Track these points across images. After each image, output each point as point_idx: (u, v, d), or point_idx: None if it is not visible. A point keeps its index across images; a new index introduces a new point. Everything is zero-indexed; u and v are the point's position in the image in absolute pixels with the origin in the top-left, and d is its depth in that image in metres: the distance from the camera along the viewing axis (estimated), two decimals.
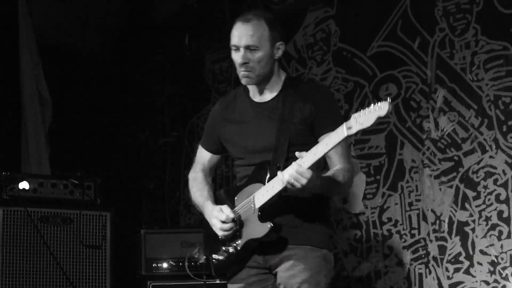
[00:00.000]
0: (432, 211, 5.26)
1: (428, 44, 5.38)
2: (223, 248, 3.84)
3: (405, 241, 5.39)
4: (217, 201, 3.97)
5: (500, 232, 4.89)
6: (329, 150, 3.38)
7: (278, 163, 3.69)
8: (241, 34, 3.73)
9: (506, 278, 4.82)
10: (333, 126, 3.51)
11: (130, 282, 5.75)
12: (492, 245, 4.93)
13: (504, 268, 4.84)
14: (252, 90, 3.92)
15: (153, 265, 5.58)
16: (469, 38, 5.17)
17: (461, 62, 5.20)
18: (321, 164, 3.69)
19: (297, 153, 3.48)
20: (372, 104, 3.15)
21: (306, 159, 3.43)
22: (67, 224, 5.66)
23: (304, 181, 3.41)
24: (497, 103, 4.99)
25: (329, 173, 3.64)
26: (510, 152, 4.91)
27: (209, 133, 4.11)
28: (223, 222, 3.74)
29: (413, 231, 5.35)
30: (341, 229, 5.76)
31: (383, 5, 5.66)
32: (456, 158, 5.17)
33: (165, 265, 5.59)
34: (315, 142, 3.62)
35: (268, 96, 3.86)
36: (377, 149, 5.62)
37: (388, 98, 3.22)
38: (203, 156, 4.16)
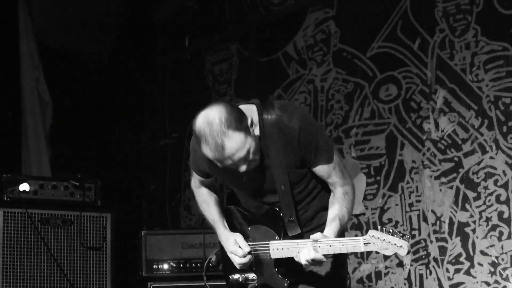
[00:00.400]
0: (433, 212, 5.26)
1: (428, 45, 5.38)
2: (240, 275, 3.94)
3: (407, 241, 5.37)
4: (229, 216, 4.04)
5: (501, 233, 4.89)
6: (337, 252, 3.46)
7: (289, 212, 3.73)
8: (226, 159, 3.58)
9: (506, 279, 4.82)
10: (323, 156, 3.69)
11: (131, 283, 5.76)
12: (492, 245, 4.93)
13: (504, 269, 4.84)
14: None
15: (154, 266, 5.57)
16: (469, 39, 5.17)
17: (461, 63, 5.20)
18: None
19: (312, 236, 3.51)
20: (394, 235, 3.23)
21: (321, 248, 3.48)
22: (68, 226, 5.68)
23: (319, 265, 3.56)
24: (497, 104, 4.99)
25: (335, 225, 3.58)
26: (510, 152, 4.90)
27: (197, 166, 4.03)
28: (241, 256, 3.80)
29: (413, 232, 5.35)
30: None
31: (383, 6, 5.66)
32: (456, 159, 5.17)
33: (165, 266, 5.58)
34: (307, 172, 3.74)
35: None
36: (377, 150, 5.62)
37: (408, 239, 3.29)
38: (198, 178, 4.11)
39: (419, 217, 5.34)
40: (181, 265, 5.59)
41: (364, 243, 3.30)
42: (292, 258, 3.64)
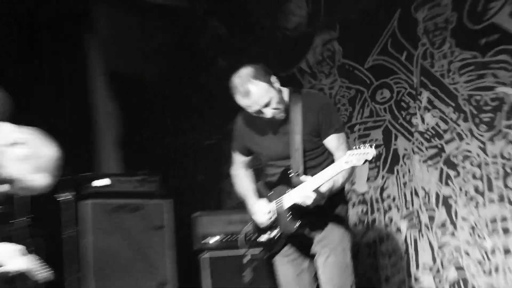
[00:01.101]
0: (422, 188, 5.22)
1: (413, 57, 5.33)
2: (265, 234, 3.91)
3: (402, 213, 5.36)
4: (258, 190, 4.05)
5: (477, 203, 4.85)
6: (327, 179, 3.51)
7: (297, 170, 3.74)
8: (253, 103, 3.67)
9: (482, 238, 4.80)
10: (333, 131, 3.78)
11: (188, 254, 5.74)
12: (471, 213, 4.89)
13: (481, 230, 4.81)
14: None
15: (204, 241, 5.56)
16: (445, 50, 5.11)
17: (440, 70, 5.15)
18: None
19: (301, 178, 3.62)
20: (362, 147, 3.36)
21: (311, 183, 3.55)
22: (137, 211, 5.75)
23: (309, 201, 3.54)
24: (470, 101, 4.94)
25: (328, 170, 3.58)
26: (482, 139, 4.85)
27: (238, 142, 4.12)
28: (264, 214, 3.83)
29: (407, 205, 5.32)
30: (351, 206, 5.72)
31: (376, 27, 5.61)
32: (439, 146, 5.13)
33: (214, 239, 5.59)
34: (321, 144, 3.81)
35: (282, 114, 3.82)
36: (376, 141, 5.59)
37: (373, 145, 3.39)
38: (238, 159, 4.18)
39: (411, 193, 5.30)
40: (227, 237, 5.58)
41: (345, 162, 3.38)
42: (302, 207, 3.66)
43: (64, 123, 6.34)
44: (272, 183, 3.93)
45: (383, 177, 5.52)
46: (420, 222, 5.21)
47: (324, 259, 3.80)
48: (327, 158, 3.83)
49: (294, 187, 3.70)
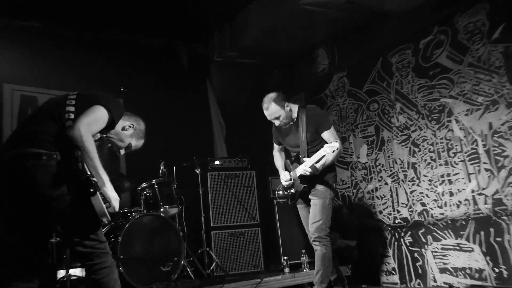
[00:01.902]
0: (399, 159, 5.17)
1: (391, 84, 5.29)
2: (286, 191, 3.93)
3: (387, 173, 5.31)
4: (286, 164, 4.01)
5: (433, 166, 4.79)
6: (317, 159, 3.46)
7: (304, 154, 3.70)
8: (268, 115, 3.71)
9: (436, 186, 4.74)
10: (325, 129, 3.67)
11: (265, 201, 5.67)
12: (428, 172, 4.83)
13: (435, 182, 4.76)
14: None
15: (275, 194, 5.54)
16: (409, 79, 5.07)
17: (406, 90, 5.10)
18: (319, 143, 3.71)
19: (304, 159, 3.58)
20: (333, 142, 3.40)
21: (308, 162, 3.52)
22: (237, 178, 5.63)
23: (308, 171, 3.55)
24: (425, 107, 4.89)
25: (323, 154, 3.50)
26: (433, 129, 4.79)
27: (274, 138, 4.09)
28: (286, 180, 3.86)
29: (391, 169, 5.27)
30: (357, 170, 5.71)
31: (368, 68, 5.56)
32: (407, 134, 5.08)
33: (278, 193, 5.55)
34: (320, 138, 3.70)
35: (291, 123, 3.81)
36: (371, 133, 5.54)
37: (339, 141, 3.47)
38: (276, 146, 4.15)
39: (393, 162, 5.24)
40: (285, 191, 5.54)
41: (323, 151, 3.38)
42: (308, 177, 3.65)
43: (195, 133, 6.54)
44: (292, 161, 3.91)
45: (376, 153, 5.49)
46: (398, 178, 5.18)
47: (313, 202, 3.75)
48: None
49: (302, 163, 3.69)
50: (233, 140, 6.96)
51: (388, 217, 5.29)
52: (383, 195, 5.36)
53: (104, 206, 2.34)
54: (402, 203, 5.12)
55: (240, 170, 5.72)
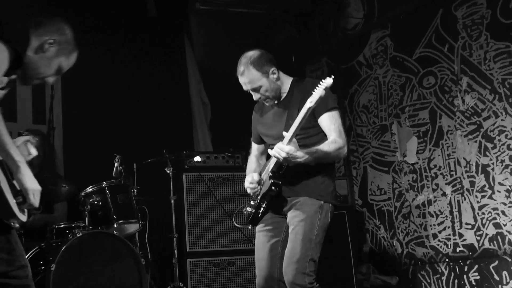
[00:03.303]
0: (464, 158, 5.22)
1: (454, 48, 5.33)
2: (251, 202, 3.51)
3: (446, 179, 5.36)
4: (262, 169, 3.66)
5: (511, 169, 4.84)
6: (298, 124, 3.12)
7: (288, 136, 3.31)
8: (243, 83, 3.47)
9: None
10: (326, 110, 3.34)
11: None
12: (506, 178, 4.88)
13: None
14: None
15: None
16: (482, 42, 5.10)
17: (477, 59, 5.14)
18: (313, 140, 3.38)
19: (283, 133, 3.23)
20: (320, 81, 3.01)
21: (285, 137, 3.19)
22: (226, 182, 5.68)
23: (283, 153, 3.17)
24: (504, 84, 4.93)
25: (316, 146, 3.28)
26: None
27: (252, 131, 3.81)
28: (250, 182, 3.49)
29: (451, 173, 5.32)
30: (403, 175, 5.76)
31: (422, 24, 5.61)
32: (478, 122, 5.12)
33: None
34: (316, 124, 3.40)
35: (275, 101, 3.54)
36: (424, 120, 5.59)
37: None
38: (254, 147, 3.84)
39: (455, 162, 5.30)
40: None
41: (309, 102, 3.03)
42: (287, 174, 3.30)
43: (168, 113, 6.58)
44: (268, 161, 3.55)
45: (430, 150, 5.52)
46: (462, 187, 5.22)
47: (291, 229, 3.36)
48: (321, 139, 3.37)
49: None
50: (222, 126, 6.99)
51: (446, 244, 5.33)
52: (440, 211, 5.41)
53: (10, 200, 2.27)
54: (467, 224, 5.17)
55: (230, 170, 5.74)
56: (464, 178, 5.21)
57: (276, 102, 3.53)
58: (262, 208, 3.43)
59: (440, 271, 5.34)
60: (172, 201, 5.36)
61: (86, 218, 4.75)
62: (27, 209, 2.41)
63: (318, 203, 3.34)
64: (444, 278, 5.31)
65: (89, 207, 4.78)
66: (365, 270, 5.72)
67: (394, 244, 5.79)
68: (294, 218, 3.35)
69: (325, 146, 3.28)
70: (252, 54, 3.49)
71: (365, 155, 6.21)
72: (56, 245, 4.41)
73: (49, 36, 2.64)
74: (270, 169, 3.37)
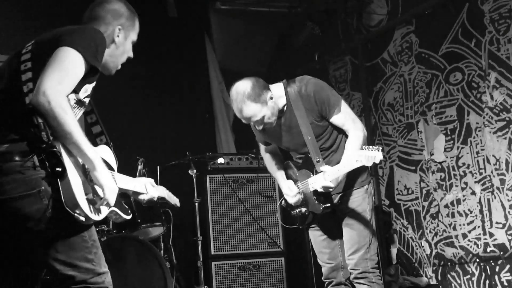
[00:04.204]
0: (493, 156, 5.17)
1: (481, 43, 5.29)
2: (295, 210, 3.71)
3: (476, 177, 5.33)
4: (286, 169, 3.83)
5: None
6: (344, 173, 3.34)
7: (318, 156, 3.53)
8: (243, 119, 3.53)
9: None
10: (335, 111, 3.47)
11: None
12: None
13: None
14: None
15: None
16: (510, 36, 5.05)
17: (505, 53, 5.08)
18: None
19: (321, 168, 3.42)
20: (371, 149, 3.14)
21: (329, 172, 3.36)
22: (250, 183, 5.75)
23: (330, 187, 3.42)
24: None
25: (344, 158, 3.41)
26: None
27: (256, 136, 3.90)
28: (292, 196, 3.65)
29: (481, 171, 5.28)
30: (430, 173, 5.74)
31: (448, 19, 5.57)
32: (507, 119, 5.07)
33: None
34: (328, 125, 3.53)
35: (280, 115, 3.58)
36: (451, 117, 5.55)
37: (381, 148, 3.22)
38: (262, 146, 3.98)
39: (484, 160, 5.25)
40: None
41: (355, 161, 3.19)
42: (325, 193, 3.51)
43: (190, 114, 6.63)
44: (298, 165, 3.71)
45: (458, 148, 5.49)
46: (492, 185, 5.17)
47: (345, 220, 3.59)
48: (338, 135, 3.60)
49: (317, 173, 3.51)
50: (244, 127, 6.84)
51: (476, 244, 5.31)
52: (469, 210, 5.38)
53: (78, 193, 2.32)
54: (498, 223, 5.13)
55: (254, 171, 5.80)
56: (494, 176, 5.16)
57: (279, 117, 3.58)
58: (311, 218, 3.65)
59: (470, 271, 5.31)
60: (196, 203, 5.43)
61: (110, 222, 4.84)
62: (102, 207, 2.47)
63: (362, 190, 3.60)
64: (474, 279, 5.27)
65: None
66: (394, 272, 5.71)
67: (423, 245, 5.77)
68: (345, 209, 3.58)
69: (350, 148, 3.44)
70: (245, 88, 3.47)
71: (391, 154, 6.19)
72: None
73: (115, 25, 2.68)
74: (311, 190, 3.54)
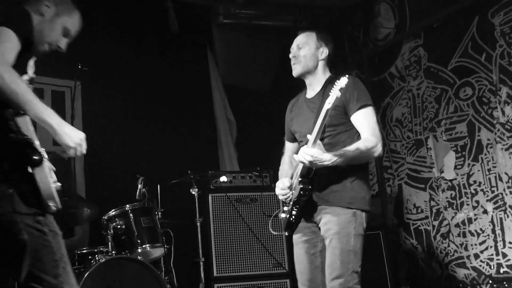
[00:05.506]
0: (505, 173, 5.15)
1: (492, 57, 5.29)
2: (285, 208, 3.56)
3: (487, 196, 5.31)
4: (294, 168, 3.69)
5: None
6: (320, 127, 3.20)
7: (311, 135, 3.34)
8: (296, 40, 3.66)
9: None
10: (359, 107, 3.37)
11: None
12: None
13: None
14: (307, 90, 3.67)
15: None
16: None
17: None
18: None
19: (308, 136, 3.28)
20: (336, 82, 3.13)
21: (309, 140, 3.25)
22: (254, 202, 5.71)
23: (308, 157, 3.19)
24: None
25: (345, 146, 3.30)
26: None
27: (286, 128, 3.84)
28: (281, 189, 3.53)
29: (492, 189, 5.26)
30: (440, 191, 5.72)
31: (457, 32, 5.59)
32: None
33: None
34: (346, 122, 3.43)
35: (313, 93, 3.60)
36: (461, 134, 5.55)
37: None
38: (287, 146, 3.87)
39: (496, 178, 5.23)
40: None
41: (328, 103, 3.14)
42: (316, 178, 3.34)
43: (192, 131, 6.64)
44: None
45: (468, 165, 5.48)
46: (505, 203, 5.15)
47: (328, 243, 3.38)
48: (352, 137, 3.42)
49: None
50: (248, 144, 7.03)
51: (488, 264, 5.27)
52: (481, 229, 5.35)
53: (52, 182, 2.35)
54: (511, 243, 5.10)
55: (258, 190, 5.78)
56: (506, 194, 5.14)
57: (310, 95, 3.61)
58: (294, 216, 3.47)
59: None
60: (198, 223, 5.39)
61: (109, 243, 4.82)
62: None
63: (350, 212, 3.36)
64: None
65: (112, 231, 4.85)
66: None
67: (433, 266, 5.73)
68: (328, 231, 3.37)
69: (355, 146, 3.30)
70: (320, 30, 3.71)
71: (400, 171, 6.17)
72: (78, 271, 4.46)
73: (43, 2, 2.74)
74: (299, 173, 3.39)
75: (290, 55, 3.66)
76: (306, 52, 3.59)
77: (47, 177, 2.34)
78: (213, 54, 7.00)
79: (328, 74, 3.66)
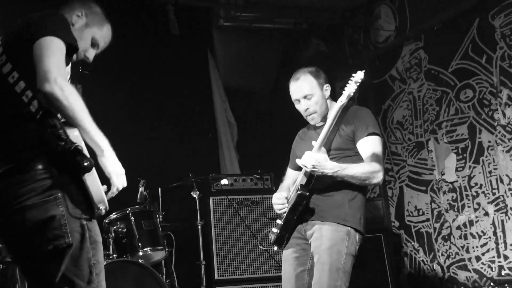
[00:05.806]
0: (507, 175, 5.16)
1: (492, 59, 5.30)
2: (278, 221, 3.53)
3: (489, 198, 5.32)
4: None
5: None
6: (329, 128, 3.20)
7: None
8: (296, 89, 3.51)
9: None
10: (367, 134, 3.36)
11: None
12: None
13: None
14: None
15: None
16: None
17: None
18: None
19: (312, 142, 3.27)
20: (352, 76, 3.09)
21: (315, 145, 3.24)
22: (255, 205, 5.71)
23: (312, 161, 3.19)
24: None
25: (352, 163, 3.29)
26: None
27: (291, 156, 3.81)
28: (278, 203, 3.49)
29: (494, 191, 5.27)
30: (441, 193, 5.73)
31: (457, 35, 5.59)
32: None
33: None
34: (353, 147, 3.41)
35: (324, 121, 3.49)
36: (462, 136, 5.56)
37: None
38: (288, 174, 3.82)
39: (497, 180, 5.24)
40: None
41: (340, 101, 3.15)
42: (314, 191, 3.32)
43: (192, 134, 6.64)
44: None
45: (470, 167, 5.49)
46: (506, 205, 5.16)
47: (317, 259, 3.32)
48: (353, 163, 3.35)
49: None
50: (249, 147, 7.03)
51: (490, 267, 5.28)
52: (483, 232, 5.36)
53: (101, 187, 2.40)
54: None
55: (259, 193, 5.77)
56: (507, 196, 5.15)
57: (321, 124, 3.53)
58: (288, 229, 3.44)
59: None
60: (199, 226, 5.40)
61: (110, 246, 4.83)
62: (109, 197, 2.52)
63: (344, 230, 3.31)
64: None
65: (113, 234, 4.86)
66: None
67: (435, 268, 5.74)
68: (319, 246, 3.32)
69: (359, 164, 3.29)
70: (313, 68, 3.58)
71: (401, 174, 6.19)
72: None
73: (76, 12, 2.77)
74: (298, 183, 3.38)
75: (302, 109, 3.55)
76: (317, 99, 3.50)
77: (97, 180, 2.39)
78: (214, 57, 7.00)
79: (333, 103, 3.52)
